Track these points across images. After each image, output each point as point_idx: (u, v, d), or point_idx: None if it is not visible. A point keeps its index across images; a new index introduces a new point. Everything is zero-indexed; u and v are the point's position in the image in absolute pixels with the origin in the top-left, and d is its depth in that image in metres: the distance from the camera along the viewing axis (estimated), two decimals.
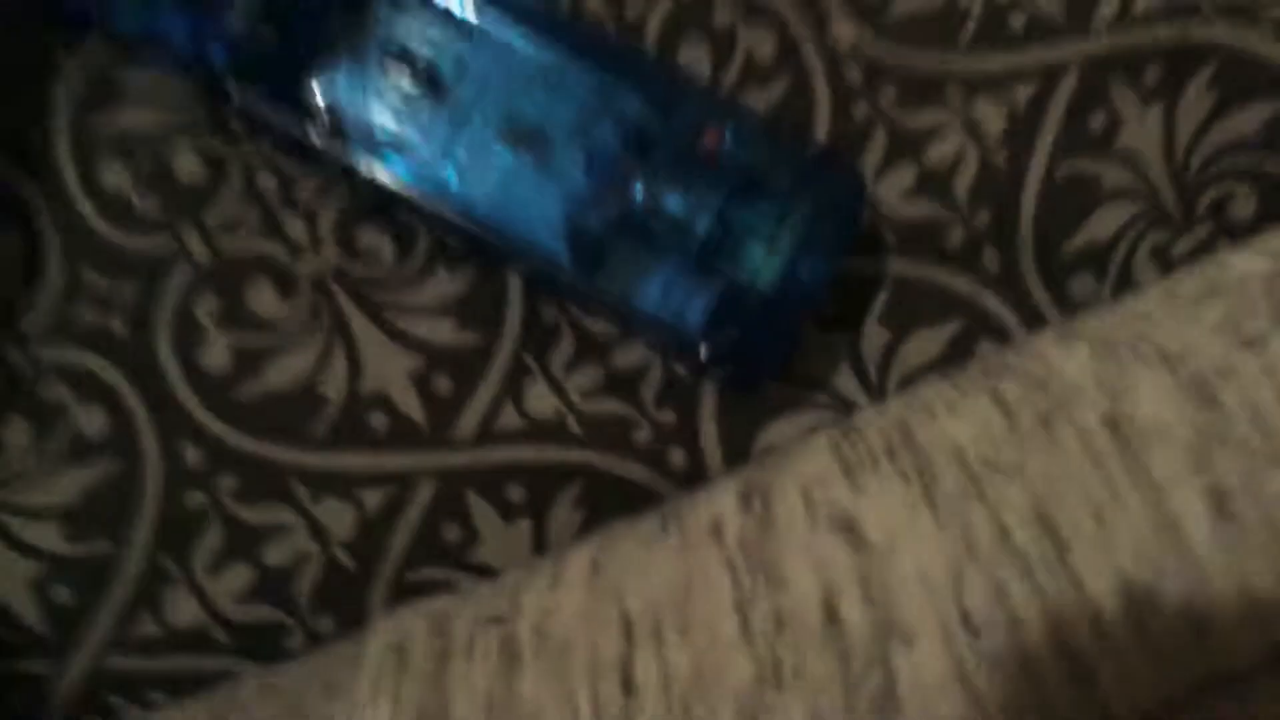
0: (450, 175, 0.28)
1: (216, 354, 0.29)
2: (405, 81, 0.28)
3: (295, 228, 0.29)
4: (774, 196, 0.27)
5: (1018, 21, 0.29)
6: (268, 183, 0.29)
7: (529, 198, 0.28)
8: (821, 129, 0.29)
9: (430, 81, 0.28)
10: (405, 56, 0.28)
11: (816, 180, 0.27)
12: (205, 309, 0.29)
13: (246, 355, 0.29)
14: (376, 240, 0.29)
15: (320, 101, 0.28)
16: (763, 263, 0.27)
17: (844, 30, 0.29)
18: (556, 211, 0.28)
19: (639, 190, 0.27)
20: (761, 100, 0.29)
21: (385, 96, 0.28)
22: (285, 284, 0.29)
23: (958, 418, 0.24)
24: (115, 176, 0.29)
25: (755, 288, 0.27)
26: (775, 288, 0.27)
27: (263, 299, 0.29)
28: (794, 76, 0.29)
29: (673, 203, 0.27)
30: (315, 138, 0.27)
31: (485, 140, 0.28)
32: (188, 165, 0.29)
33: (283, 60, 0.27)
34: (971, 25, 0.29)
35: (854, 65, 0.29)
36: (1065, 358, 0.24)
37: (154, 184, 0.29)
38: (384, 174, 0.28)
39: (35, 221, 0.29)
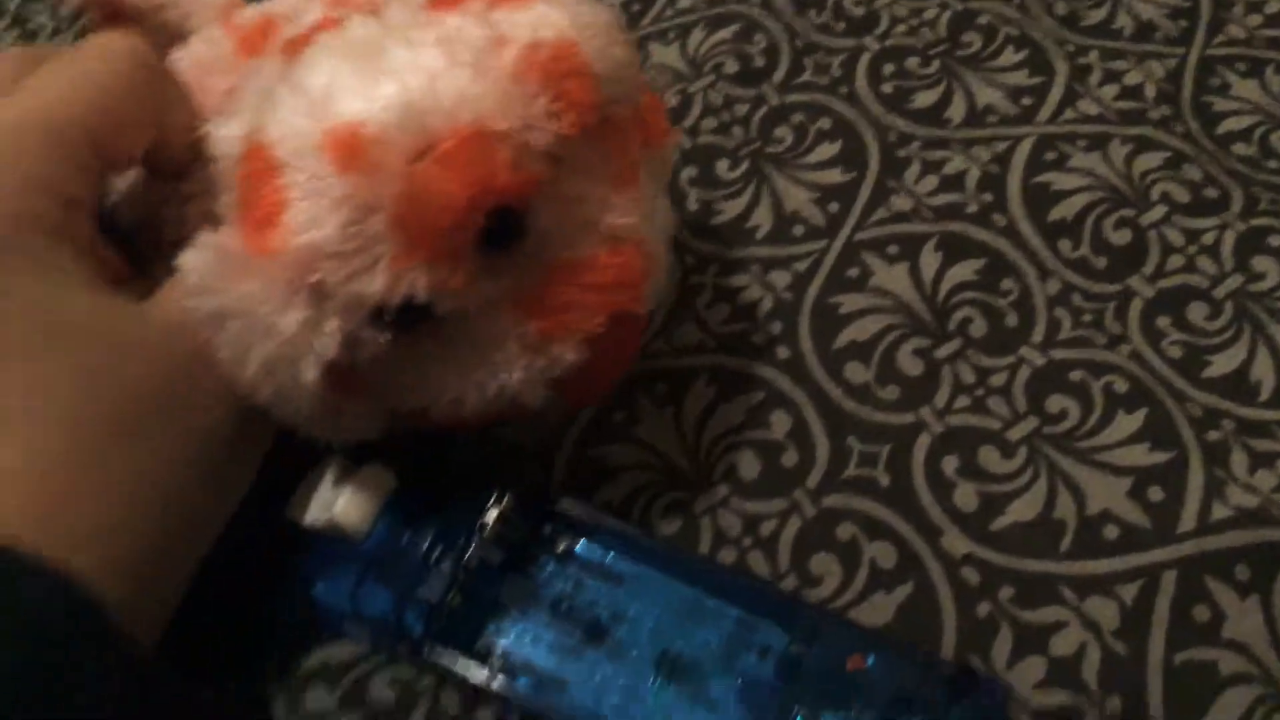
0: (608, 708, 0.31)
1: None
2: (568, 629, 0.32)
3: None
4: (923, 713, 0.28)
5: (1111, 533, 0.33)
6: (450, 701, 0.33)
7: None
8: (949, 627, 0.32)
9: (590, 628, 0.32)
10: (568, 608, 0.32)
11: (962, 693, 0.29)
12: None
13: None
14: None
15: (494, 650, 0.31)
16: None
17: (955, 543, 0.33)
18: None
19: (798, 717, 0.29)
20: (891, 602, 0.32)
21: (551, 643, 0.31)
22: None
23: None
24: (317, 702, 0.33)
25: None
26: None
27: None
28: (917, 580, 0.33)
29: None
30: (488, 680, 0.31)
31: (642, 675, 0.31)
32: (381, 690, 0.33)
33: (466, 620, 0.32)
34: (1069, 536, 0.33)
35: (971, 569, 0.33)
36: None
37: (350, 705, 0.32)
38: (549, 708, 0.30)
39: None
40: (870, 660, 0.29)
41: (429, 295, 0.26)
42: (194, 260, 0.27)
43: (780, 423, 0.36)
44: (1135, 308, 0.38)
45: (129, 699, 0.26)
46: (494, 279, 0.28)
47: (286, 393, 0.27)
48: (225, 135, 0.28)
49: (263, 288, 0.26)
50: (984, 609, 0.32)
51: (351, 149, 0.25)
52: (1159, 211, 0.41)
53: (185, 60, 0.34)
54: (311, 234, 0.25)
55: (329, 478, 0.32)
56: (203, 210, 0.28)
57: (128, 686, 0.26)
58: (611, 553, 0.32)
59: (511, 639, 0.32)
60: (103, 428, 0.27)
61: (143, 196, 0.31)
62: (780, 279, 0.40)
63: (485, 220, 0.26)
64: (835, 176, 0.42)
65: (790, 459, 0.35)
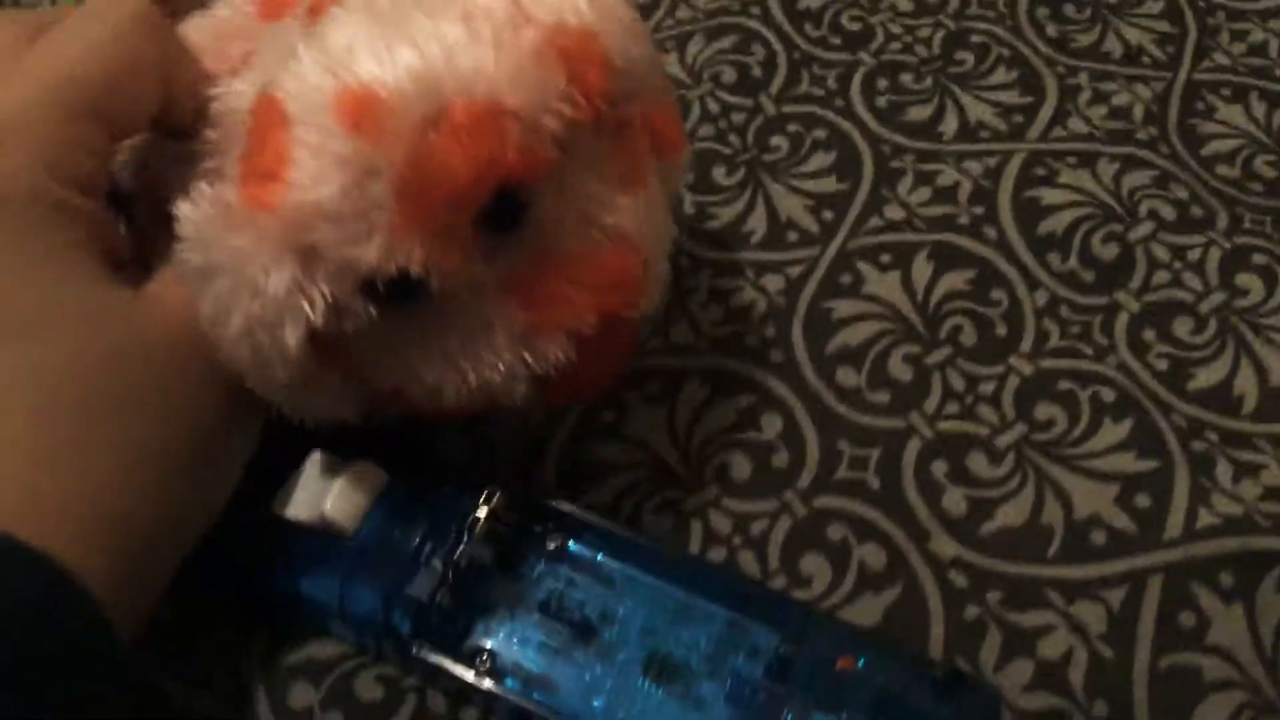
0: (597, 709, 0.30)
1: None
2: (557, 629, 0.31)
3: None
4: (913, 714, 0.28)
5: (1099, 539, 0.34)
6: (436, 701, 0.32)
7: None
8: (937, 629, 0.32)
9: (579, 628, 0.32)
10: (557, 609, 0.32)
11: (953, 696, 0.29)
12: None
13: None
14: None
15: (482, 650, 0.31)
16: None
17: (943, 546, 0.33)
18: None
19: (788, 717, 0.29)
20: (879, 603, 0.33)
21: (539, 643, 0.31)
22: None
23: None
24: (302, 697, 0.32)
25: None
26: None
27: None
28: (906, 582, 0.33)
29: None
30: (475, 680, 0.31)
31: (630, 675, 0.31)
32: (367, 687, 0.33)
33: (455, 620, 0.31)
34: (1056, 541, 0.33)
35: (959, 573, 0.33)
36: None
37: (334, 703, 0.32)
38: (537, 708, 0.30)
39: None
40: (860, 661, 0.29)
41: (422, 270, 0.26)
42: (190, 212, 0.26)
43: (772, 424, 0.36)
44: (1122, 320, 0.39)
45: (110, 694, 0.26)
46: (489, 263, 0.28)
47: (265, 357, 0.27)
48: (239, 90, 0.28)
49: (253, 243, 0.25)
50: (972, 612, 0.32)
51: (362, 110, 0.25)
52: (1146, 228, 0.41)
53: (204, 25, 0.33)
54: (311, 192, 0.25)
55: (316, 472, 0.32)
56: (209, 171, 0.28)
57: (111, 682, 0.26)
58: (601, 553, 0.32)
59: (500, 639, 0.31)
60: (89, 417, 0.26)
61: (148, 159, 0.31)
62: (774, 283, 0.40)
63: (487, 199, 0.26)
64: (830, 185, 0.43)
65: (781, 460, 0.36)
